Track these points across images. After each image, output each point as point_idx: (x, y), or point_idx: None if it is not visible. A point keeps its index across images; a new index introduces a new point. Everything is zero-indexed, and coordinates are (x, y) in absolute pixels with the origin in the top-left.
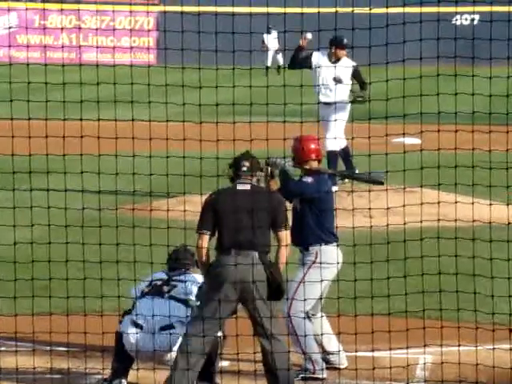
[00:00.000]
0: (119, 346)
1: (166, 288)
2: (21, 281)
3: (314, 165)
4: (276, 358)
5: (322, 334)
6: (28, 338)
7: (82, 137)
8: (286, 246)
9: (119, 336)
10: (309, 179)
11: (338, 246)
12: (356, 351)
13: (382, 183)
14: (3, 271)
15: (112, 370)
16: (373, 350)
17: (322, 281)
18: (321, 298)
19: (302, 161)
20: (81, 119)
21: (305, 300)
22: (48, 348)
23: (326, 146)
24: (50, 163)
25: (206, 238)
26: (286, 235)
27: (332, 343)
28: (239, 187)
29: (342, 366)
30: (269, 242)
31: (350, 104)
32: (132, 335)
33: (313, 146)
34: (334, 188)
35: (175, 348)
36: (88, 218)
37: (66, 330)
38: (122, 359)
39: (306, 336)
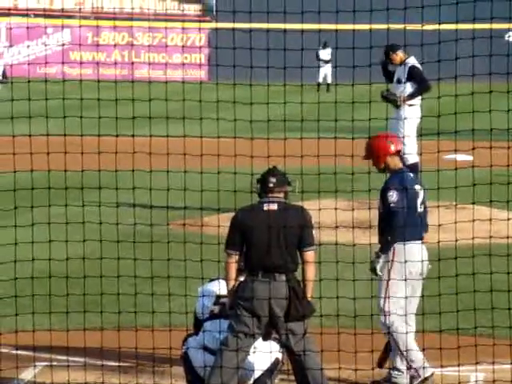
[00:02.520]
0: (188, 366)
1: None
2: (73, 296)
3: (395, 161)
4: (309, 375)
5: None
6: (80, 352)
7: (134, 153)
8: (312, 263)
9: (187, 358)
10: (393, 194)
11: (422, 242)
12: None
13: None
14: (55, 286)
15: None
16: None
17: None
18: (405, 315)
19: (382, 156)
20: (133, 135)
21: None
22: (99, 363)
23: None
24: (102, 179)
25: (235, 257)
26: (311, 254)
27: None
28: (266, 206)
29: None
30: (297, 261)
31: (410, 118)
32: (201, 359)
33: (387, 139)
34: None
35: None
36: (139, 233)
37: (117, 345)
38: (195, 379)
39: (408, 350)
